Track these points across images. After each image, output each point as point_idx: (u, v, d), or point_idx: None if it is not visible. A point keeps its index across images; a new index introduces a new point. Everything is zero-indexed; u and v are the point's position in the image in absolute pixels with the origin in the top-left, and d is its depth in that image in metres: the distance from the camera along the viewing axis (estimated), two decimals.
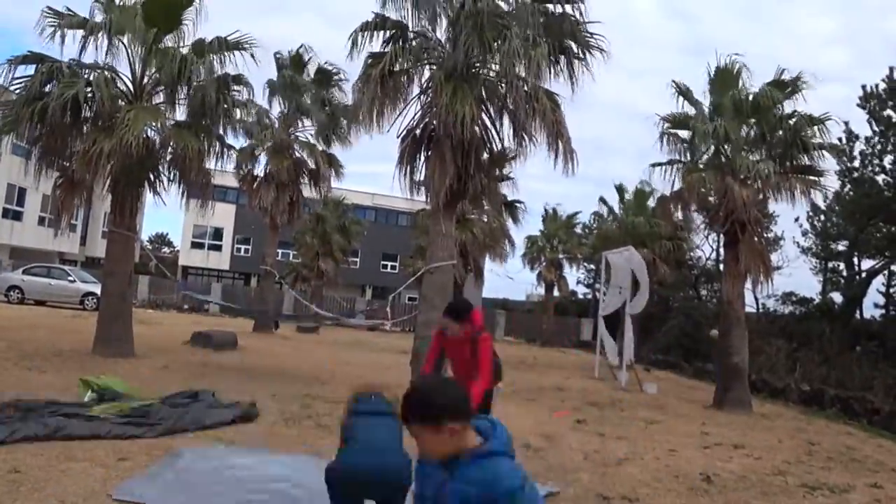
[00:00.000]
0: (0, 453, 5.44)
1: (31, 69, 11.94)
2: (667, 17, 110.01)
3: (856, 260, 27.69)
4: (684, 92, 14.48)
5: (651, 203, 27.60)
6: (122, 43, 12.44)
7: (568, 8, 11.50)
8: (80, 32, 12.35)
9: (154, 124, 12.13)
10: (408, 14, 11.60)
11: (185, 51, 12.49)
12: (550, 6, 11.65)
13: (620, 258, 18.69)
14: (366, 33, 11.90)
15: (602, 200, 31.55)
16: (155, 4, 12.07)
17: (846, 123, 24.68)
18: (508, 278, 72.27)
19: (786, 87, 13.59)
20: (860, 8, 70.50)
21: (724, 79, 13.99)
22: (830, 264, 29.54)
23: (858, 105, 24.75)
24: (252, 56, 12.74)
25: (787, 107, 13.78)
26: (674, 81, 14.57)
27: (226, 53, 12.69)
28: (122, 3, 12.66)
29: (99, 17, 12.48)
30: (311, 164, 22.37)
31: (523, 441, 8.03)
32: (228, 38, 12.65)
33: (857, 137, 24.97)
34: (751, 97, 13.67)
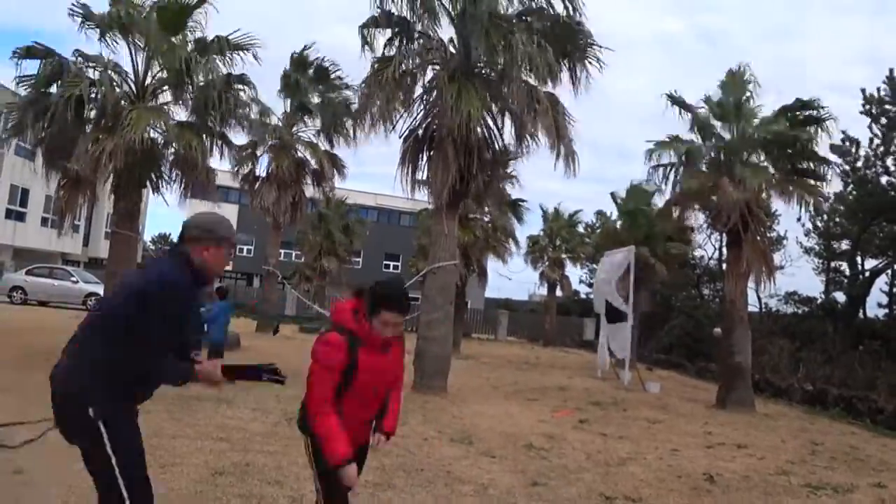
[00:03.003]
0: (4, 452, 5.45)
1: (35, 64, 11.97)
2: (696, 37, 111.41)
3: (859, 259, 27.67)
4: (679, 102, 14.48)
5: (655, 203, 27.53)
6: (127, 42, 12.47)
7: (570, 12, 11.53)
8: (98, 29, 12.41)
9: (157, 124, 12.14)
10: (410, 12, 11.64)
11: (188, 50, 12.52)
12: (552, 10, 11.68)
13: (620, 258, 18.67)
14: (371, 30, 11.93)
15: (613, 196, 31.33)
16: (168, 12, 12.14)
17: (844, 131, 24.77)
18: (507, 278, 72.19)
19: (799, 122, 13.55)
20: (886, 32, 70.83)
21: (734, 83, 14.01)
22: (833, 264, 29.52)
23: (861, 110, 24.78)
24: (255, 56, 12.77)
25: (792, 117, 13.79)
26: (667, 94, 14.55)
27: (228, 53, 12.71)
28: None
29: (114, 12, 12.51)
30: (314, 164, 22.35)
31: (526, 441, 8.03)
32: (230, 38, 12.66)
33: (858, 144, 24.99)
34: (765, 135, 13.64)
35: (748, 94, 13.97)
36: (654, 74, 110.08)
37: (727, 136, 13.99)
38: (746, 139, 13.94)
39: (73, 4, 12.25)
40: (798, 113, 13.59)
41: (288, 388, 10.83)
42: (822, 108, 13.42)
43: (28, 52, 11.93)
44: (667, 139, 14.63)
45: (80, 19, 12.23)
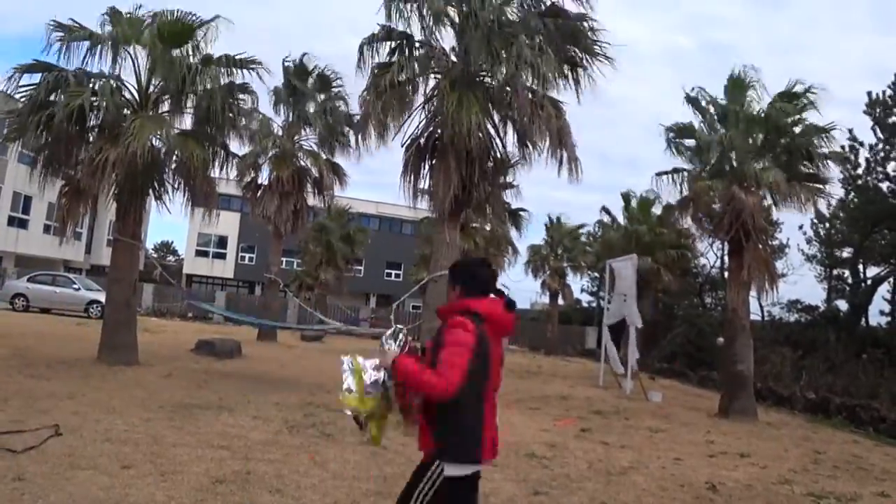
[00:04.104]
0: (5, 459, 5.45)
1: (37, 77, 12.01)
2: (706, 51, 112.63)
3: (861, 267, 27.65)
4: (693, 100, 14.51)
5: (657, 211, 27.57)
6: (128, 53, 12.51)
7: (573, 16, 11.55)
8: (86, 44, 12.41)
9: (159, 133, 12.18)
10: (412, 23, 11.67)
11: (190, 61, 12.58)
12: (556, 15, 11.70)
13: (624, 266, 18.66)
14: (373, 45, 11.98)
15: (605, 210, 31.50)
16: (170, 28, 12.20)
17: (850, 131, 24.71)
18: (505, 287, 71.83)
19: (796, 98, 13.54)
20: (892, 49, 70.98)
21: (737, 87, 14.02)
22: (835, 272, 29.49)
23: (865, 112, 24.79)
24: (258, 75, 12.88)
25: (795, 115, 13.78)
26: (683, 89, 14.60)
27: (233, 70, 12.79)
28: (129, 16, 12.74)
29: (106, 29, 12.53)
30: (315, 173, 22.40)
31: (528, 450, 8.01)
32: (235, 57, 12.73)
33: (861, 144, 24.98)
34: (762, 112, 13.64)
35: (752, 98, 13.95)
36: (663, 86, 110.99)
37: (734, 140, 13.94)
38: (754, 143, 13.96)
39: (50, 21, 12.22)
40: (791, 95, 13.62)
41: (290, 396, 10.83)
42: (813, 92, 13.42)
43: (29, 69, 12.00)
44: (683, 125, 14.66)
45: (58, 36, 12.16)
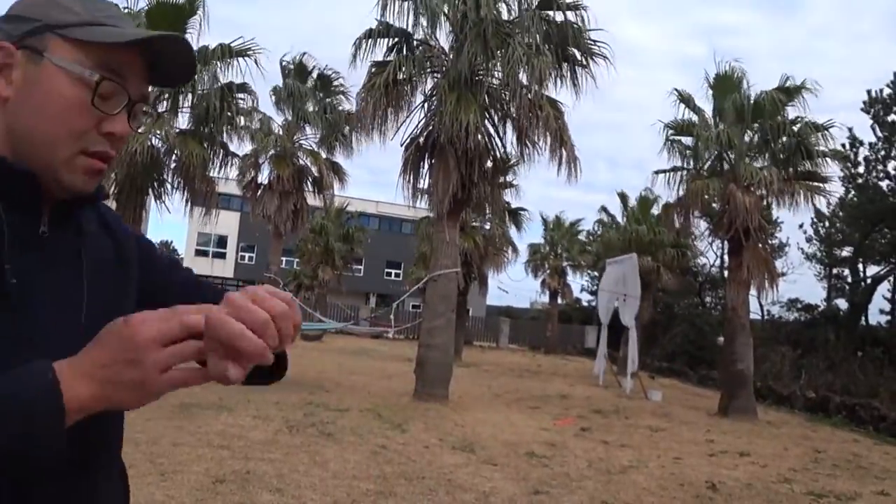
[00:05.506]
0: None
1: None
2: (718, 56, 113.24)
3: (861, 266, 27.65)
4: (686, 99, 14.49)
5: (655, 210, 27.51)
6: None
7: (570, 15, 11.54)
8: None
9: (159, 133, 12.17)
10: (409, 22, 11.64)
11: None
12: (553, 13, 11.69)
13: (623, 266, 18.66)
14: (369, 41, 11.95)
15: (604, 209, 31.42)
16: (159, 14, 12.14)
17: (850, 129, 24.70)
18: (504, 291, 71.63)
19: (790, 93, 13.55)
20: None
21: (725, 85, 13.98)
22: (835, 270, 29.51)
23: (862, 110, 24.78)
24: (256, 62, 12.81)
25: (791, 112, 13.77)
26: (675, 90, 14.57)
27: (229, 60, 12.76)
28: (127, 11, 12.73)
29: None
30: (315, 172, 22.36)
31: (527, 449, 8.02)
32: (232, 45, 12.71)
33: (861, 143, 24.98)
34: (752, 101, 13.64)
35: (746, 95, 13.90)
36: (672, 89, 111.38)
37: (730, 138, 13.92)
38: (751, 141, 13.95)
39: None
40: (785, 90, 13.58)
41: (290, 396, 10.85)
42: (806, 88, 13.37)
43: None
44: (682, 121, 14.64)
45: None
